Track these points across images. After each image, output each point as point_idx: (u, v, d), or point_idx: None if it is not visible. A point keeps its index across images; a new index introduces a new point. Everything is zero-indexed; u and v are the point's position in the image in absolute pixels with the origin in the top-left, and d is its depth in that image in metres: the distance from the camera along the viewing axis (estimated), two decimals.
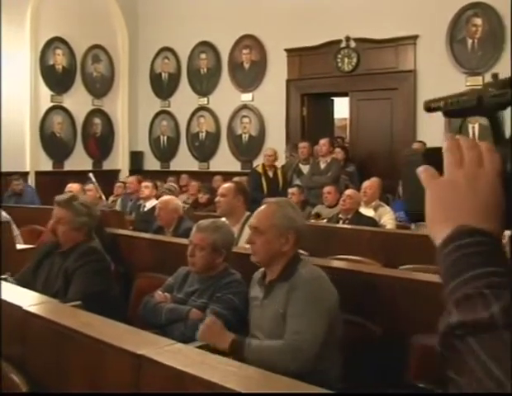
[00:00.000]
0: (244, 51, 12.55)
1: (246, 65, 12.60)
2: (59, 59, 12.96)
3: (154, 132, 14.09)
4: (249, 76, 12.52)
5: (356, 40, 10.94)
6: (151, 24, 13.80)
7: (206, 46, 13.09)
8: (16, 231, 6.98)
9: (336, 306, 3.09)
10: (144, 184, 8.41)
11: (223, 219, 4.84)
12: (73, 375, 2.48)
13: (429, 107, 1.13)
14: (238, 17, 12.32)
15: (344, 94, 11.58)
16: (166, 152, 13.92)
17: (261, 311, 3.21)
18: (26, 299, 2.97)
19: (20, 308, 2.77)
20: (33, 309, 2.75)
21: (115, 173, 13.54)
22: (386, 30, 10.41)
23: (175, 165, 13.61)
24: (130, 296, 4.57)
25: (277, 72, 11.94)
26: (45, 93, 12.68)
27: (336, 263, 4.18)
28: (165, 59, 13.88)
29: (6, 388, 2.48)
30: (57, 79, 12.91)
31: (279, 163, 10.32)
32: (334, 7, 11.02)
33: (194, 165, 13.23)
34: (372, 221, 6.83)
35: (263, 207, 3.33)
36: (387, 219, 7.30)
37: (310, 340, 2.93)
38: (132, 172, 12.76)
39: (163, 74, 13.95)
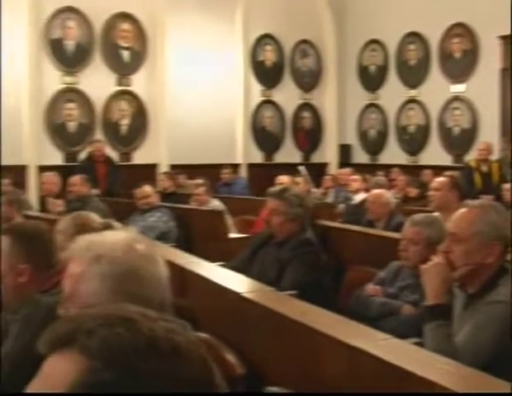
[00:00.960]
0: (455, 40, 12.10)
1: (457, 55, 12.14)
2: (268, 55, 13.31)
3: (363, 125, 14.03)
4: (460, 66, 12.03)
5: None
6: (358, 16, 13.73)
7: (415, 37, 12.77)
8: (229, 221, 7.27)
9: None
10: (352, 177, 8.40)
11: (436, 213, 4.72)
12: (287, 362, 2.54)
13: None
14: (447, 5, 11.83)
15: None
16: (374, 145, 13.77)
17: (459, 321, 2.81)
18: (243, 286, 3.08)
19: (237, 294, 2.88)
20: (250, 296, 2.84)
21: (323, 166, 13.66)
22: None
23: (383, 158, 13.47)
24: (340, 288, 4.59)
25: (490, 61, 11.37)
26: (256, 88, 13.08)
27: None
28: (372, 52, 13.74)
29: (223, 369, 2.57)
30: (267, 74, 13.27)
31: (493, 157, 9.88)
32: None
33: (402, 159, 12.99)
34: None
35: (462, 211, 2.86)
36: None
37: (469, 360, 2.45)
38: (341, 165, 12.84)
39: (370, 67, 13.87)
